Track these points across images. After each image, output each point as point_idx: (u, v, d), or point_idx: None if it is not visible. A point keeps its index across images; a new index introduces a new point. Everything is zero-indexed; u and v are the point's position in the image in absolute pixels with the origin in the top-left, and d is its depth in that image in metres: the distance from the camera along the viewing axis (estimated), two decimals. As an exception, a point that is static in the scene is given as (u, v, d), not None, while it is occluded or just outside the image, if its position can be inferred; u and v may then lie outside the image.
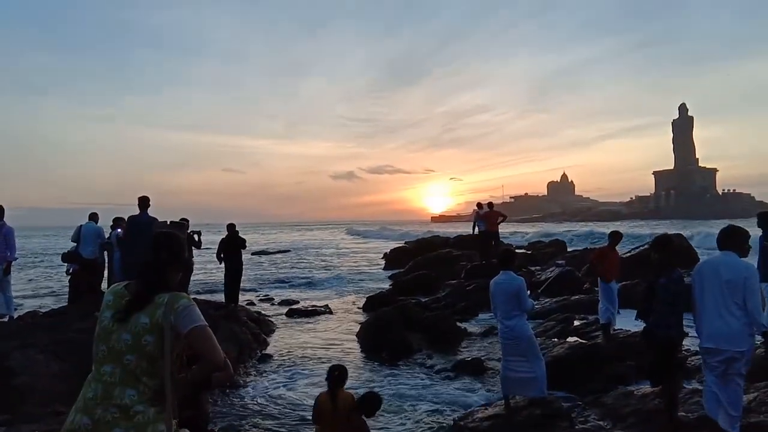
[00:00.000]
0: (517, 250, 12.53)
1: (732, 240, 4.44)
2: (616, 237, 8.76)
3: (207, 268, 24.23)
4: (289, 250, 42.44)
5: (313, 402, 4.43)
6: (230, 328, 9.63)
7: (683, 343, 5.03)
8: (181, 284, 2.55)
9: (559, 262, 20.00)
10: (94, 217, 10.95)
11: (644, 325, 5.06)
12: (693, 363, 6.95)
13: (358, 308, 14.14)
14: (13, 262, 9.12)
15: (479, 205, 16.75)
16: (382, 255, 28.74)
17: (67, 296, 11.02)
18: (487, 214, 16.17)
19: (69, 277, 10.99)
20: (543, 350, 6.65)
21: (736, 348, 4.18)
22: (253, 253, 36.52)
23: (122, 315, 2.21)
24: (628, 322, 8.17)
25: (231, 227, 11.78)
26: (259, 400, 7.10)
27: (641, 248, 16.16)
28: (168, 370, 2.21)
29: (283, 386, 7.73)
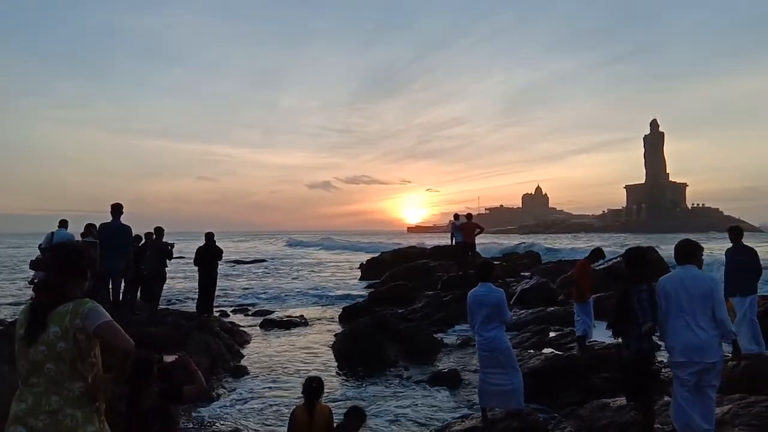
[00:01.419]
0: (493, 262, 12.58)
1: (692, 254, 4.53)
2: (597, 254, 8.75)
3: (179, 278, 23.86)
4: (264, 260, 42.04)
5: (288, 415, 4.33)
6: (203, 339, 9.44)
7: (656, 355, 5.06)
8: (88, 294, 2.64)
9: (525, 273, 20.18)
10: (63, 224, 10.71)
11: (617, 337, 5.09)
12: (667, 375, 7.02)
13: (334, 319, 14.02)
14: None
15: (456, 216, 16.81)
16: (358, 265, 28.63)
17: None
18: (465, 225, 16.22)
19: (32, 286, 10.76)
20: (519, 362, 6.65)
21: (708, 359, 4.21)
22: (227, 263, 36.09)
23: (31, 331, 2.37)
24: (603, 334, 8.23)
25: (209, 236, 11.60)
26: (232, 414, 6.95)
27: (614, 261, 16.41)
28: (89, 372, 2.39)
29: (258, 399, 7.58)
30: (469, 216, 16.81)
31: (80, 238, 10.98)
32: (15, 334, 2.43)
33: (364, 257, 31.40)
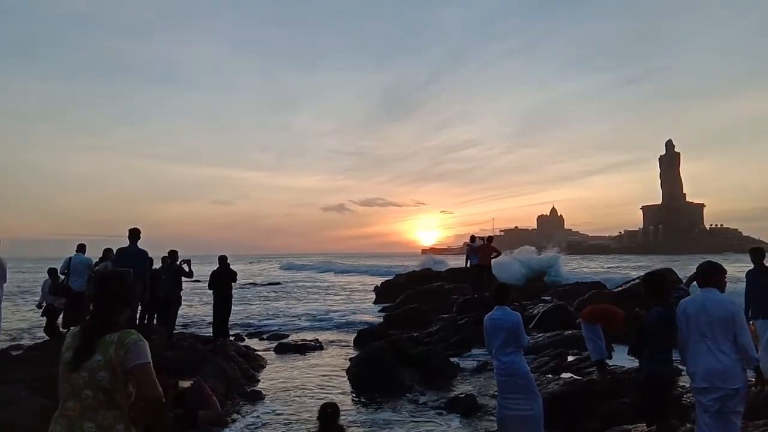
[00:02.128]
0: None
1: (714, 277, 4.44)
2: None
3: (194, 301, 23.96)
4: (279, 283, 42.11)
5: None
6: (218, 363, 9.43)
7: (675, 379, 4.95)
8: (127, 322, 2.74)
9: (545, 297, 19.92)
10: (81, 248, 10.84)
11: (638, 361, 5.01)
12: (689, 400, 6.86)
13: (349, 343, 13.95)
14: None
15: (473, 238, 16.73)
16: (373, 288, 28.54)
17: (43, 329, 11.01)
18: (482, 248, 16.14)
19: (41, 310, 11.02)
20: (537, 386, 6.54)
21: (731, 386, 4.12)
22: (242, 286, 36.19)
23: (78, 357, 2.45)
24: (622, 358, 8.07)
25: (222, 259, 11.67)
26: (247, 439, 6.89)
27: (631, 283, 16.19)
28: (125, 402, 2.47)
29: (273, 424, 7.53)
30: (490, 239, 16.70)
31: (98, 263, 11.13)
32: (62, 356, 2.50)
33: (378, 280, 31.31)
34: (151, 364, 2.51)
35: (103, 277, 2.86)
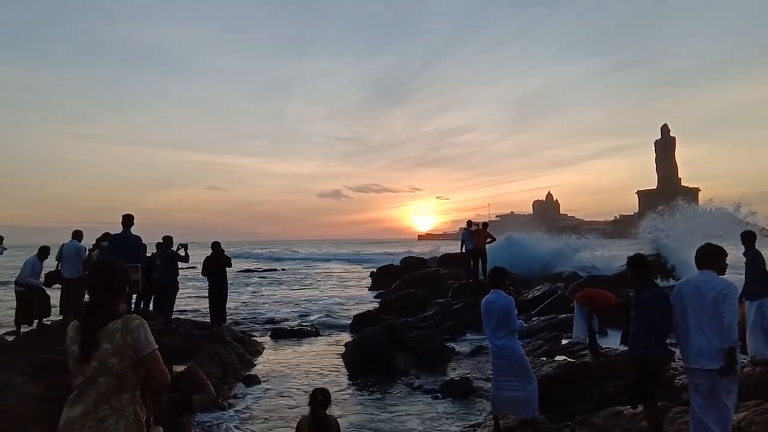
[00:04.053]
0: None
1: (712, 259, 4.43)
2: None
3: (191, 287, 23.96)
4: (275, 269, 42.16)
5: (295, 426, 4.31)
6: (214, 348, 9.47)
7: (662, 361, 4.94)
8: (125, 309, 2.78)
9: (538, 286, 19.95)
10: (77, 235, 10.78)
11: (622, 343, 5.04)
12: (680, 382, 6.93)
13: (345, 328, 14.00)
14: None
15: (469, 222, 16.74)
16: (369, 273, 28.60)
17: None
18: (476, 233, 16.17)
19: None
20: (532, 369, 6.59)
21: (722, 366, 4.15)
22: (239, 271, 36.21)
23: (86, 349, 2.51)
24: (615, 342, 8.13)
25: (216, 246, 11.64)
26: (242, 423, 6.95)
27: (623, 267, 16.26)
28: (136, 384, 2.57)
29: (268, 408, 7.57)
30: (484, 225, 16.73)
31: (92, 249, 11.09)
32: (68, 350, 2.55)
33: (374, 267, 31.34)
34: (157, 349, 2.60)
35: (96, 266, 2.84)
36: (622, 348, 7.41)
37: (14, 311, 10.77)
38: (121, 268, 2.76)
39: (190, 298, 20.79)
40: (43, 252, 10.76)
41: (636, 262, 5.08)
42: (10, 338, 9.81)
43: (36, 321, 10.42)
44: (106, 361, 2.48)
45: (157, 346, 2.61)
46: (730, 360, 4.10)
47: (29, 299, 10.37)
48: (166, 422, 3.18)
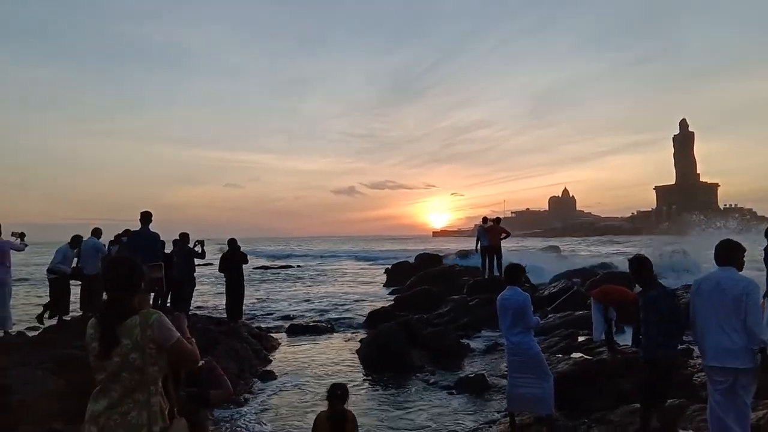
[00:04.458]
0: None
1: (733, 255, 4.37)
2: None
3: (208, 284, 24.19)
4: (291, 266, 42.37)
5: (312, 421, 4.34)
6: (231, 344, 9.54)
7: (667, 361, 4.93)
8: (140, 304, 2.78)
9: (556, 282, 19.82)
10: (96, 232, 10.94)
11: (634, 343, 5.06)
12: (698, 379, 6.85)
13: (360, 324, 14.05)
14: (12, 278, 9.12)
15: (485, 219, 16.69)
16: (383, 270, 28.64)
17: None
18: (491, 229, 16.11)
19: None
20: (548, 366, 6.56)
21: (742, 365, 4.09)
22: (254, 268, 36.45)
23: (106, 346, 2.53)
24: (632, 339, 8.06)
25: (232, 242, 11.74)
26: (259, 418, 7.00)
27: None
28: (159, 376, 2.60)
29: (284, 403, 7.63)
30: (497, 220, 16.68)
31: (110, 246, 11.24)
32: (87, 347, 2.58)
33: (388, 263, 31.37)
34: (179, 336, 2.64)
35: (112, 263, 2.84)
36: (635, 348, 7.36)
37: (42, 306, 10.94)
38: (134, 263, 2.76)
39: (208, 294, 20.99)
40: (75, 241, 10.89)
41: (633, 264, 5.07)
42: (31, 333, 9.99)
43: (57, 317, 10.59)
44: (127, 356, 2.51)
45: (179, 335, 2.64)
46: (765, 358, 4.07)
47: (63, 287, 10.55)
48: (185, 416, 3.23)
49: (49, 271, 10.72)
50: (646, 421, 4.99)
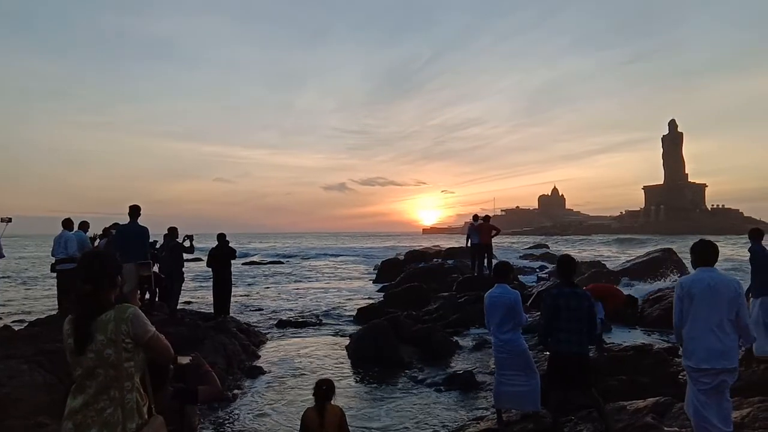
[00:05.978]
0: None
1: (714, 256, 4.41)
2: None
3: (197, 278, 24.07)
4: (281, 261, 42.27)
5: (300, 417, 4.34)
6: (219, 339, 9.51)
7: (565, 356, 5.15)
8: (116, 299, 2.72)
9: (542, 274, 19.98)
10: (83, 226, 10.82)
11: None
12: (683, 378, 6.92)
13: (349, 320, 14.05)
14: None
15: (475, 217, 16.71)
16: (373, 267, 28.66)
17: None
18: (481, 226, 16.14)
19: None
20: (535, 363, 6.60)
21: (731, 365, 4.13)
22: (243, 264, 36.33)
23: (80, 343, 2.48)
24: (620, 336, 8.14)
25: (221, 237, 11.68)
26: (246, 414, 6.99)
27: (632, 263, 16.23)
28: (136, 372, 2.54)
29: (272, 400, 7.62)
30: (486, 218, 16.71)
31: (97, 240, 11.15)
32: (64, 343, 2.54)
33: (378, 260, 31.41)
34: (155, 330, 2.58)
35: (86, 257, 2.71)
36: (628, 342, 7.43)
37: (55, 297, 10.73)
38: (108, 257, 2.70)
39: (196, 290, 20.89)
40: (84, 227, 10.76)
41: (558, 263, 5.46)
42: (17, 327, 9.88)
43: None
44: (102, 352, 2.46)
45: (154, 329, 2.57)
46: (748, 354, 4.17)
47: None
48: (172, 412, 3.21)
49: (68, 260, 10.18)
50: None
